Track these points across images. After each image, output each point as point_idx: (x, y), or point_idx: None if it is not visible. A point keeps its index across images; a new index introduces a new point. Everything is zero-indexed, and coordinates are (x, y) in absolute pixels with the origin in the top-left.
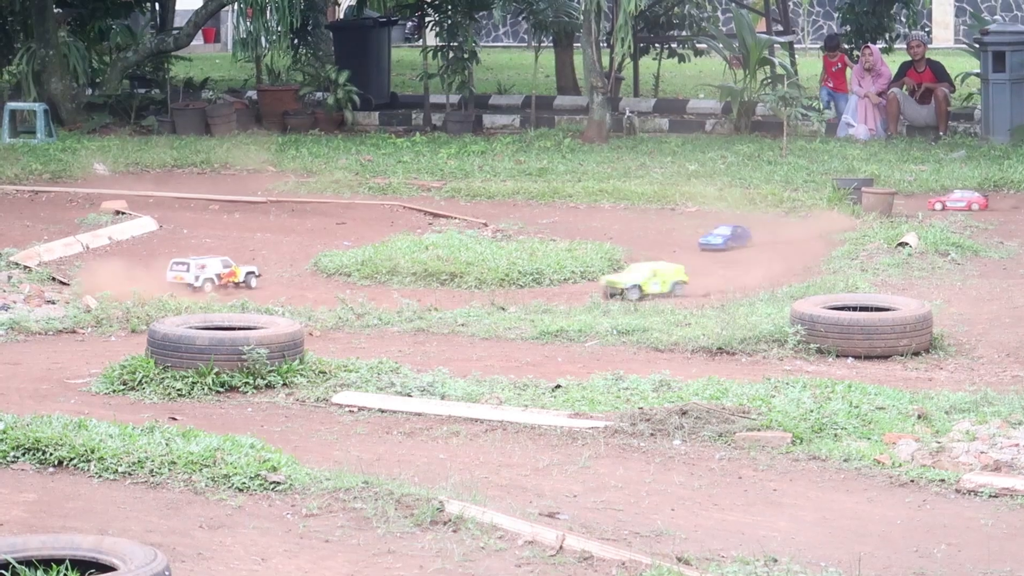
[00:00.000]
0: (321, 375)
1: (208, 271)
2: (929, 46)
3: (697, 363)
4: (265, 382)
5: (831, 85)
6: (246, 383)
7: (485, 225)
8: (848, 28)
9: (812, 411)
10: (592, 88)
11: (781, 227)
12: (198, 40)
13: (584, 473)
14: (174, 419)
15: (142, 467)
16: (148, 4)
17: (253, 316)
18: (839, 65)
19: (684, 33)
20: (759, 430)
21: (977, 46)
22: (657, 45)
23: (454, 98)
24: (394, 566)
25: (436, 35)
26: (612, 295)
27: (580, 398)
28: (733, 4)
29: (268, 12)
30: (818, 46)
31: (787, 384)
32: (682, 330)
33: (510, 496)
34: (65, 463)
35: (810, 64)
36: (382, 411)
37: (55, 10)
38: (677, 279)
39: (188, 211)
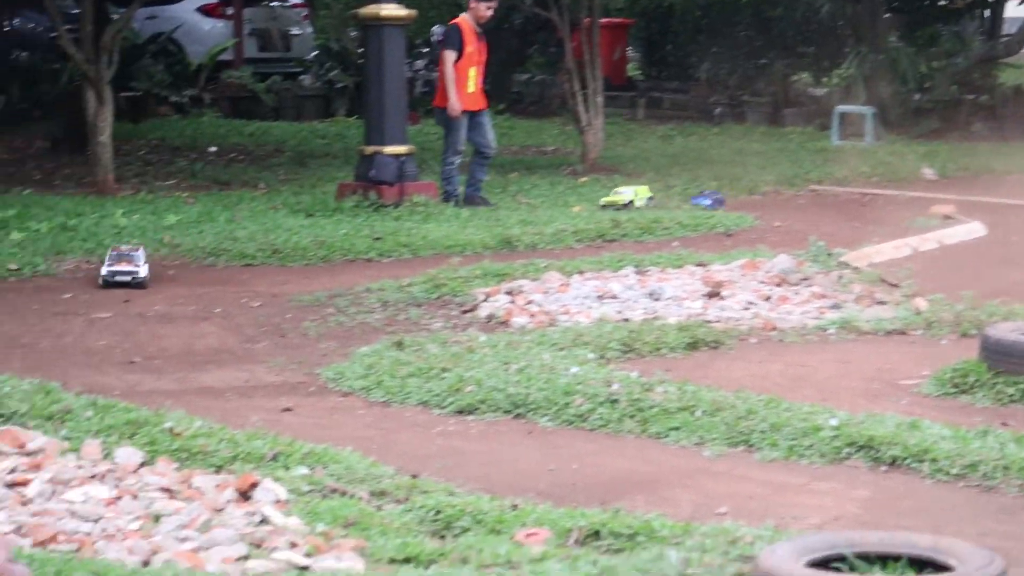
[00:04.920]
0: None
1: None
2: None
3: None
4: None
5: None
6: None
7: None
8: None
9: None
10: None
11: None
12: None
13: None
14: (1005, 424)
15: (975, 470)
16: (978, 11)
17: None
18: None
19: None
20: None
21: None
22: None
23: None
24: None
25: None
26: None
27: None
28: None
29: None
30: None
31: None
32: None
33: None
34: (897, 462)
35: None
36: None
37: (885, 16)
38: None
39: (1019, 217)
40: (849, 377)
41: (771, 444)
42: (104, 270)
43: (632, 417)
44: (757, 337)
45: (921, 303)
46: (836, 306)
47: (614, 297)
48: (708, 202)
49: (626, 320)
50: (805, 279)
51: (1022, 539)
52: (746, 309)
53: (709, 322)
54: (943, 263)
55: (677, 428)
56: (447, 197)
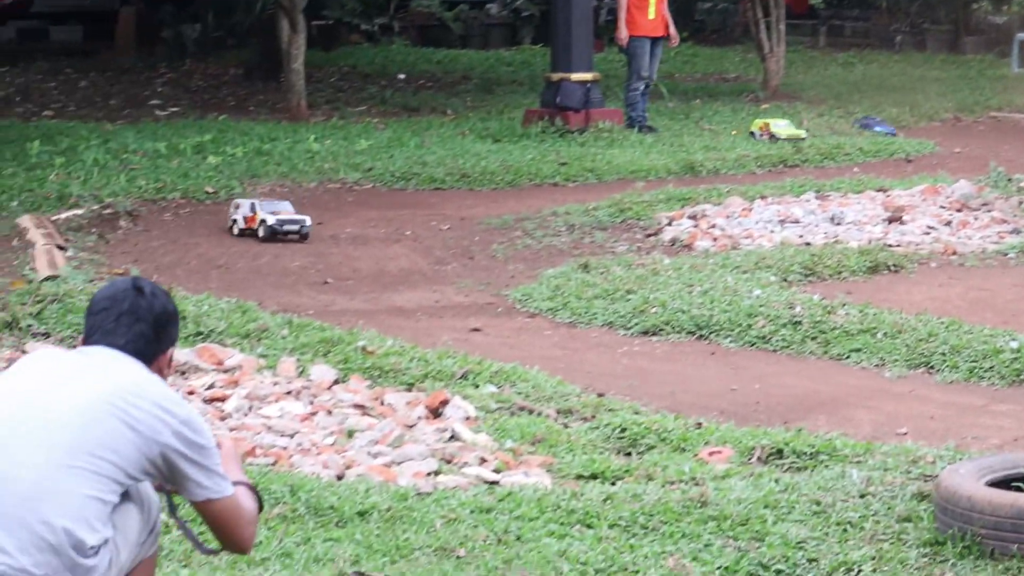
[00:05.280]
0: None
1: None
2: None
3: None
4: None
5: None
6: None
7: None
8: None
9: None
10: None
11: None
12: None
13: None
14: None
15: None
16: None
17: None
18: None
19: None
20: None
21: None
22: None
23: None
24: None
25: None
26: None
27: None
28: None
29: None
30: None
31: None
32: None
33: None
34: None
35: None
36: None
37: None
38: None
39: None
40: None
41: (951, 366)
42: (271, 219)
43: (814, 339)
44: (937, 261)
45: None
46: (1016, 231)
47: (796, 221)
48: (885, 128)
49: (807, 244)
50: (985, 204)
51: None
52: (926, 234)
53: (890, 246)
54: None
55: (858, 350)
56: (632, 123)
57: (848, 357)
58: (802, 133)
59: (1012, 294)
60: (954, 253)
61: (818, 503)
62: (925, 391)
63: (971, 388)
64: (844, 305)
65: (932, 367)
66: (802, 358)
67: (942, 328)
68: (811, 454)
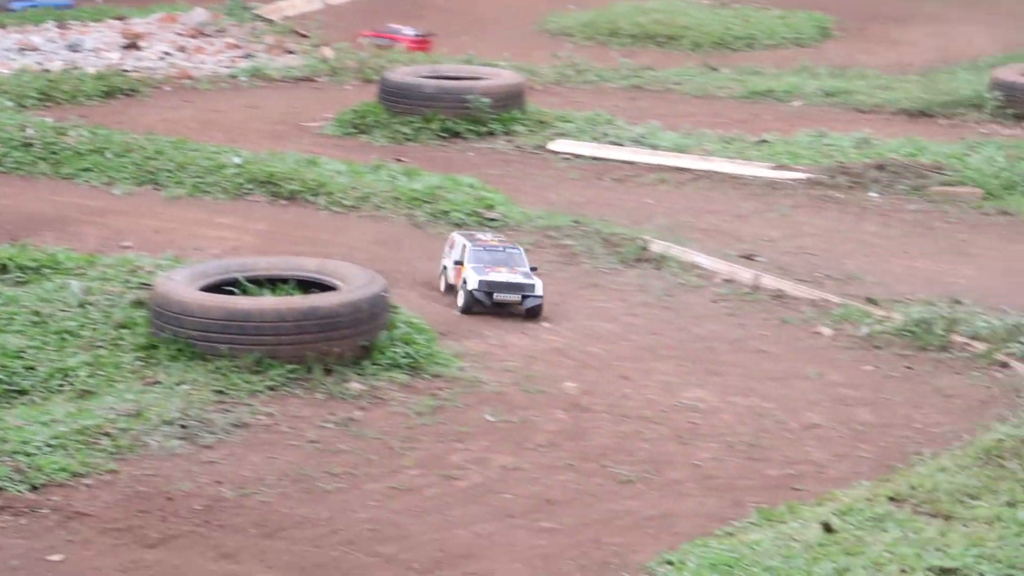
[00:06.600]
0: (540, 124)
1: None
2: None
3: (897, 124)
4: (487, 129)
5: None
6: (469, 130)
7: None
8: None
9: (1005, 169)
10: None
11: None
12: None
13: (783, 221)
14: (399, 160)
15: (367, 201)
16: None
17: (479, 68)
18: None
19: None
20: (952, 185)
21: None
22: None
23: None
24: (598, 297)
25: None
26: None
27: (783, 152)
28: None
29: None
30: None
31: (982, 144)
32: (885, 93)
33: (711, 239)
34: (296, 196)
35: None
36: (595, 159)
37: None
38: None
39: None
40: (257, 121)
41: (177, 182)
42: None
43: (45, 160)
44: (172, 85)
45: (328, 51)
46: (248, 56)
47: (35, 49)
48: None
49: (46, 71)
50: (220, 31)
51: (406, 263)
52: (162, 59)
53: (126, 72)
54: (351, 15)
55: (88, 169)
56: None
57: (78, 176)
58: None
59: (241, 114)
60: (188, 77)
61: (38, 314)
62: (151, 206)
63: (196, 202)
64: (76, 127)
65: (159, 184)
66: (34, 179)
67: (169, 147)
68: (35, 268)
